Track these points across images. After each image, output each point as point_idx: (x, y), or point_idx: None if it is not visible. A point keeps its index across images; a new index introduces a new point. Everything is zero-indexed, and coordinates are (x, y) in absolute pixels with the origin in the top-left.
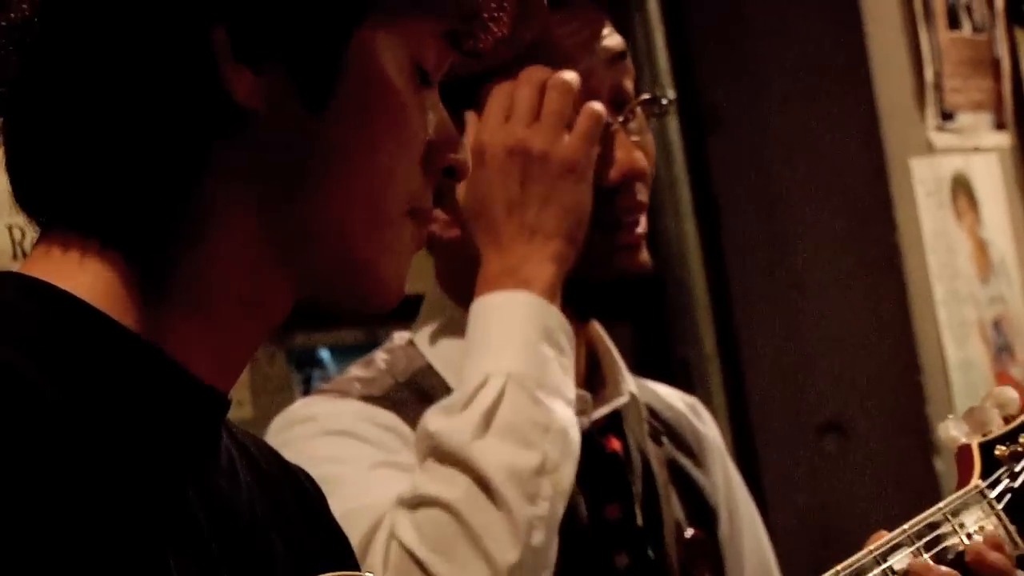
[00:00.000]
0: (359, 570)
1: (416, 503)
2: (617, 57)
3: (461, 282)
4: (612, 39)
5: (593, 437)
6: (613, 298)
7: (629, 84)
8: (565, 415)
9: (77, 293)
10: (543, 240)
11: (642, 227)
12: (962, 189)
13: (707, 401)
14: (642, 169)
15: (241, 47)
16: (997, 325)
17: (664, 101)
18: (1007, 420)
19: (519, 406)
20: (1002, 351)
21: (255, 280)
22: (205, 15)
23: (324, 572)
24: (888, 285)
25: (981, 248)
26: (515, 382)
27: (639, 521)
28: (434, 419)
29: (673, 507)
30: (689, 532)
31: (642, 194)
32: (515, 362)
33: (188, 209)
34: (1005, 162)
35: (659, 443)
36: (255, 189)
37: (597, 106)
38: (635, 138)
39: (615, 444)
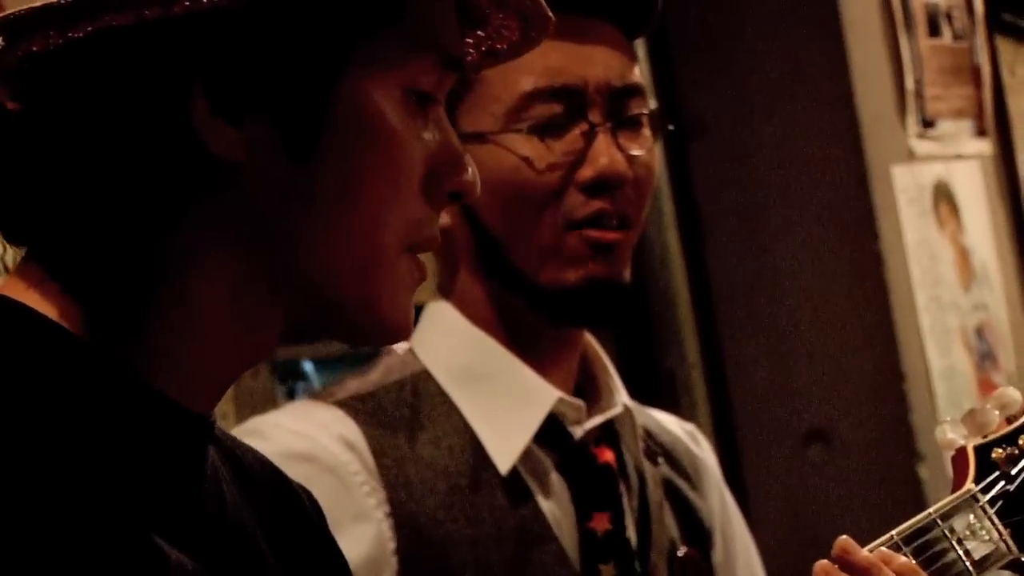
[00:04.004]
0: None
1: None
2: (622, 92)
3: (455, 275)
4: (619, 75)
5: (586, 447)
6: (587, 304)
7: (635, 108)
8: None
9: (53, 317)
10: None
11: (620, 236)
12: (944, 197)
13: (691, 411)
14: (619, 173)
15: (220, 102)
16: (980, 332)
17: (670, 128)
18: (1009, 421)
19: None
20: (985, 358)
21: (240, 320)
22: (183, 71)
23: None
24: (871, 293)
25: (963, 255)
26: None
27: (630, 533)
28: None
29: (667, 525)
30: (682, 550)
31: (619, 202)
32: None
33: (167, 253)
34: (986, 169)
35: (655, 463)
36: (242, 237)
37: None
38: (636, 152)
39: (608, 455)
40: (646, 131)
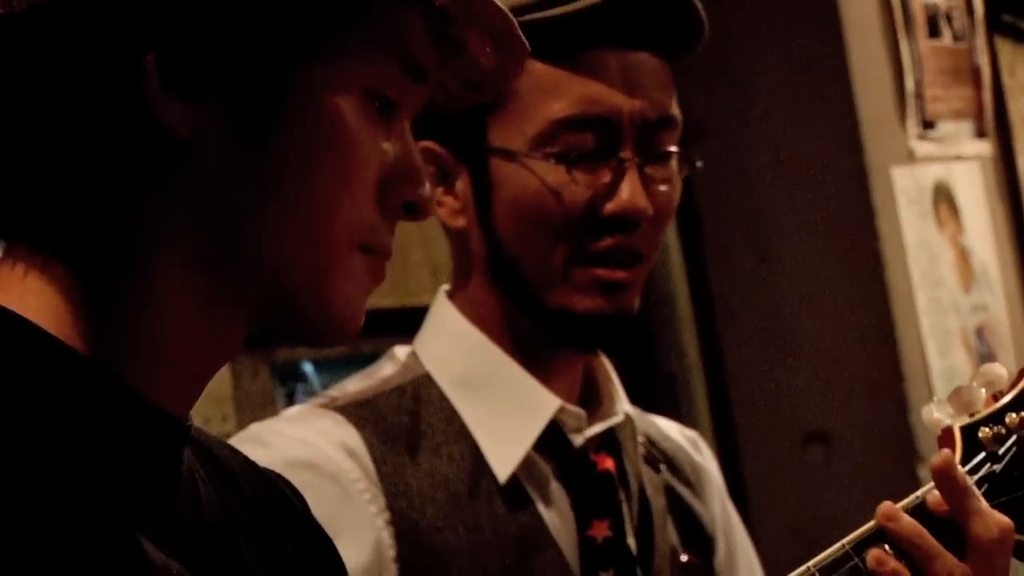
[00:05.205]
0: (344, 572)
1: None
2: (655, 124)
3: (468, 278)
4: (653, 106)
5: (586, 455)
6: (591, 334)
7: (666, 142)
8: None
9: (27, 316)
10: None
11: (629, 275)
12: (944, 198)
13: (692, 413)
14: (639, 212)
15: (172, 76)
16: (980, 333)
17: (699, 164)
18: (996, 398)
19: None
20: (985, 359)
21: (204, 310)
22: (135, 42)
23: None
24: (871, 294)
25: (963, 257)
26: None
27: (630, 541)
28: None
29: (668, 532)
30: (684, 557)
31: (635, 238)
32: None
33: (130, 235)
34: (986, 170)
35: (656, 470)
36: (201, 224)
37: None
38: (662, 187)
39: (608, 463)
40: (674, 164)
